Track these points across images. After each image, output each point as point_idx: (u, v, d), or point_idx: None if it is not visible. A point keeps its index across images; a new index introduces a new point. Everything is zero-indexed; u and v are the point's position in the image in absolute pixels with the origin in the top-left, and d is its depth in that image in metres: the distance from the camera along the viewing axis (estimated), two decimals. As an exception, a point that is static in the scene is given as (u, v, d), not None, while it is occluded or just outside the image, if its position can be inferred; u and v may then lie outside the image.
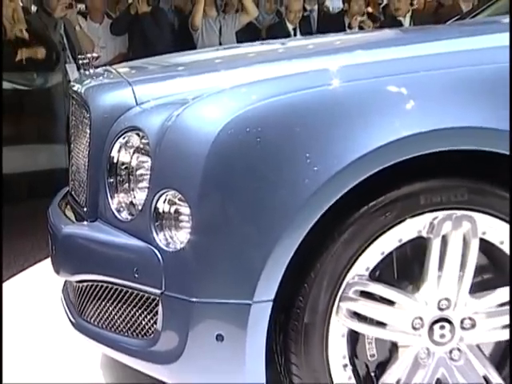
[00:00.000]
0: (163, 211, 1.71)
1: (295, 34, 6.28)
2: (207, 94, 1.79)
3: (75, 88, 2.31)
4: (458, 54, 1.81)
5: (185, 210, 1.67)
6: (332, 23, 6.59)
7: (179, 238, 1.68)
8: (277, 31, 6.27)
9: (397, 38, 2.33)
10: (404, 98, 1.68)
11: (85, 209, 2.01)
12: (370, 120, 1.64)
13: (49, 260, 2.24)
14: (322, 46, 2.41)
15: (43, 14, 5.14)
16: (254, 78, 1.85)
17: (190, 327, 1.68)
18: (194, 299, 1.65)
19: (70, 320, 2.06)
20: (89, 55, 2.35)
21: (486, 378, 1.79)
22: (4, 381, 1.97)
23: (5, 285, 3.38)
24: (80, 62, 2.37)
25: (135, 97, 1.94)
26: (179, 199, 1.69)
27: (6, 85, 4.95)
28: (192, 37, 6.03)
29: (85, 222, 1.98)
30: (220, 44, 5.98)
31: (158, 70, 2.41)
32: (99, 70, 2.43)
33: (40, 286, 3.15)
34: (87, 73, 2.37)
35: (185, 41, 5.97)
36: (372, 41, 2.37)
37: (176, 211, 1.70)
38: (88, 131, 2.02)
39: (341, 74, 1.77)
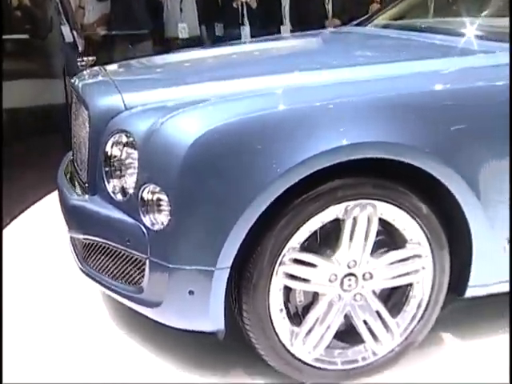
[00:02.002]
0: (147, 199, 1.68)
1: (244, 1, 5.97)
2: (186, 107, 1.72)
3: (76, 85, 2.19)
4: (372, 82, 1.78)
5: (164, 198, 1.65)
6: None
7: (161, 219, 1.66)
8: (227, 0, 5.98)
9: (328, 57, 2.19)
10: (334, 118, 1.66)
11: (86, 184, 1.95)
12: (309, 135, 1.63)
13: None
14: (276, 61, 2.26)
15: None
16: (223, 92, 1.79)
17: (168, 284, 1.69)
18: (171, 265, 1.66)
19: (78, 264, 2.02)
20: (85, 59, 2.22)
21: (377, 312, 1.85)
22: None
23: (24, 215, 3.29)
24: (79, 64, 2.23)
25: (124, 103, 1.86)
26: (159, 190, 1.66)
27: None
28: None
29: (87, 196, 1.92)
30: (181, 10, 5.69)
31: (143, 77, 2.24)
32: (96, 69, 2.28)
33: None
34: (85, 72, 2.24)
35: (156, 6, 5.67)
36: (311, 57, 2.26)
37: (158, 199, 1.67)
38: (87, 125, 1.93)
39: (288, 97, 1.73)
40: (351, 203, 1.70)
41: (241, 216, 1.60)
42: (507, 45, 1.93)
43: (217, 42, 5.94)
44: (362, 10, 6.67)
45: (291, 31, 6.30)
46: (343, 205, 1.70)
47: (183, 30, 5.78)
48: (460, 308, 2.04)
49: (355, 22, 3.03)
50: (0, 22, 4.24)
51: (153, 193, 1.67)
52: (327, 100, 1.69)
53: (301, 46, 2.48)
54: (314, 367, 1.82)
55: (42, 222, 3.12)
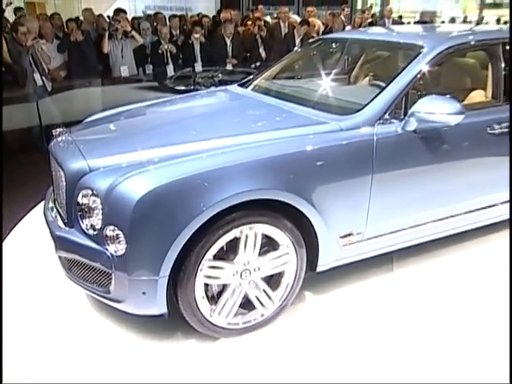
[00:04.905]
0: (110, 235, 1.72)
1: (167, 49, 5.81)
2: (135, 170, 1.74)
3: (53, 151, 2.09)
4: (254, 148, 1.86)
5: (122, 235, 1.69)
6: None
7: (120, 247, 1.71)
8: (156, 47, 5.79)
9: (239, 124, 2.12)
10: (237, 174, 1.75)
11: (65, 220, 1.92)
12: (220, 187, 1.72)
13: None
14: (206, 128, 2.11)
15: (16, 44, 4.36)
16: (163, 156, 1.81)
17: (128, 289, 1.75)
18: (129, 277, 1.72)
19: (64, 272, 1.98)
20: (58, 130, 2.11)
21: (264, 290, 1.98)
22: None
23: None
24: (54, 133, 2.11)
25: (88, 166, 1.85)
26: (118, 229, 1.70)
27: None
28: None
29: (67, 228, 1.89)
30: (122, 57, 5.45)
31: (102, 144, 2.08)
32: (66, 137, 2.15)
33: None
34: (59, 139, 2.15)
35: (103, 56, 5.37)
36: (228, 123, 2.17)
37: (117, 235, 1.71)
38: (64, 180, 1.90)
39: (210, 160, 1.78)
40: (244, 227, 1.82)
41: (173, 243, 1.68)
42: (336, 116, 2.09)
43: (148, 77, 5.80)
44: (250, 53, 6.79)
45: (202, 66, 6.27)
46: (239, 228, 1.82)
47: (124, 71, 5.58)
48: (314, 276, 2.21)
49: (241, 82, 2.98)
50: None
51: (113, 231, 1.71)
52: (231, 162, 1.77)
53: (209, 113, 2.43)
54: (226, 328, 1.95)
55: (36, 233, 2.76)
